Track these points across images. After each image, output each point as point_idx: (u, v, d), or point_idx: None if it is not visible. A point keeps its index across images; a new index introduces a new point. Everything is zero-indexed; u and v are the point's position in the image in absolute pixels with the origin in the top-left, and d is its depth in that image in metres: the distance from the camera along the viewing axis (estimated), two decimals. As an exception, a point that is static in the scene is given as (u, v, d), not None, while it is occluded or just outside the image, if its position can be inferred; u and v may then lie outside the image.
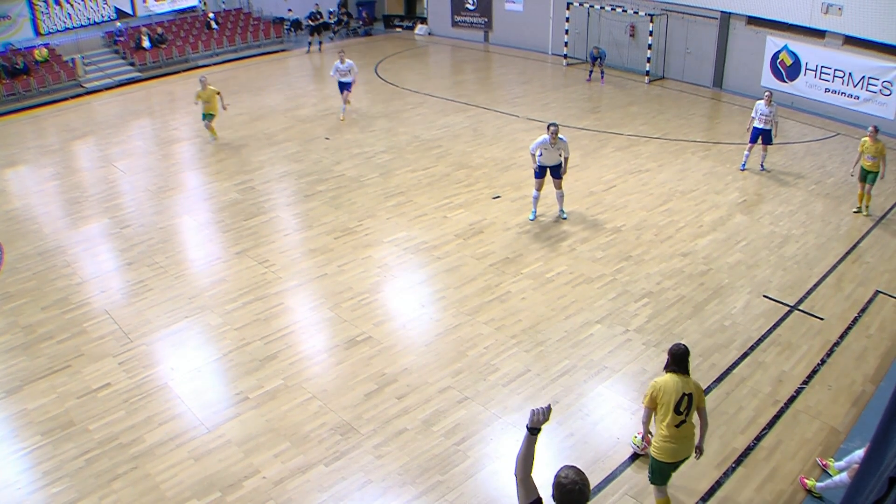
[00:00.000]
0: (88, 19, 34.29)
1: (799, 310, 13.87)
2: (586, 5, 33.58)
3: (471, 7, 39.92)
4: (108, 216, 18.21)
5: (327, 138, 23.62)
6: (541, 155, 16.65)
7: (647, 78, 31.68)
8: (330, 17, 42.73)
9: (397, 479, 9.79)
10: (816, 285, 14.77)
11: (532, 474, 5.72)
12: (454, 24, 41.12)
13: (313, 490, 9.62)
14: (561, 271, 15.22)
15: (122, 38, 34.80)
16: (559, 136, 16.39)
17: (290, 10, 40.95)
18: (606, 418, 10.91)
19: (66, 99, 30.54)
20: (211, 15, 38.39)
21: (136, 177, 20.90)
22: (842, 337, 13.03)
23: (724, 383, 11.71)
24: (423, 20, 43.09)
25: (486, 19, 39.65)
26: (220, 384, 11.84)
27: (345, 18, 43.12)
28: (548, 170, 16.89)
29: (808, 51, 26.91)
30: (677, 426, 8.49)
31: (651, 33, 31.07)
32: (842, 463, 9.52)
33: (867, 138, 17.30)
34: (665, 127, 25.08)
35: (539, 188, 17.20)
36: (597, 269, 15.32)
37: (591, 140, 23.39)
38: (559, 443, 10.42)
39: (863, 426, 10.64)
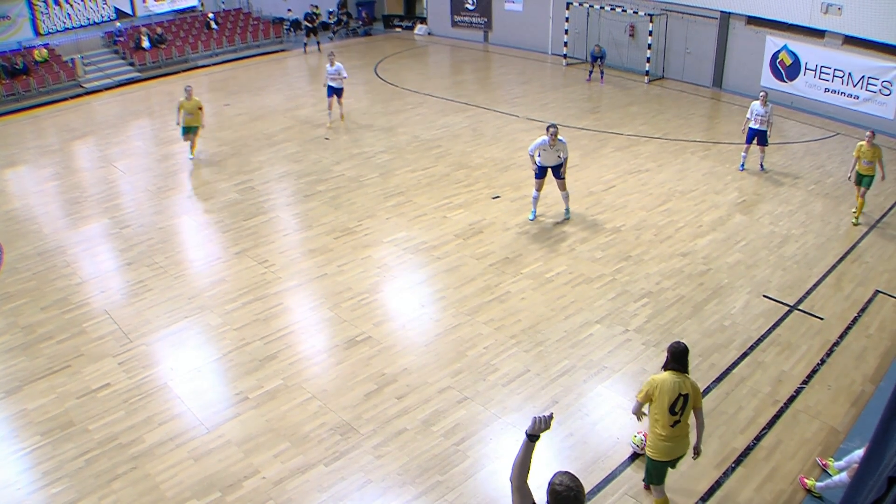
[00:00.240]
0: (88, 19, 34.30)
1: (798, 310, 13.87)
2: (586, 5, 33.60)
3: (470, 7, 39.93)
4: (107, 216, 18.21)
5: (327, 138, 23.62)
6: (539, 156, 16.65)
7: (646, 78, 31.70)
8: (329, 17, 42.78)
9: (397, 479, 9.79)
10: (816, 285, 14.77)
11: (528, 480, 5.71)
12: (454, 24, 41.14)
13: (313, 490, 9.62)
14: (560, 271, 15.22)
15: (121, 39, 34.82)
16: (559, 137, 16.38)
17: (289, 9, 40.97)
18: (606, 418, 10.91)
19: (65, 99, 30.56)
20: (210, 15, 38.38)
21: (136, 177, 20.91)
22: (841, 337, 13.03)
23: (723, 383, 11.72)
24: (423, 20, 43.11)
25: (486, 19, 39.66)
26: (220, 384, 11.84)
27: (344, 18, 43.15)
28: (549, 170, 16.88)
29: (807, 50, 26.92)
30: (672, 426, 8.50)
31: (651, 33, 31.09)
32: (841, 463, 9.53)
33: (864, 143, 17.09)
34: (665, 127, 25.09)
35: (539, 189, 17.20)
36: (596, 269, 15.33)
37: (590, 140, 23.39)
38: (559, 443, 10.42)
39: (862, 426, 10.64)
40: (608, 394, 11.43)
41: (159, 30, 35.74)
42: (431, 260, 15.76)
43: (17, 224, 17.92)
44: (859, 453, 8.93)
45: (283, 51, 38.88)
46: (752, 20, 28.60)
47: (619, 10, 32.54)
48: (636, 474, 9.79)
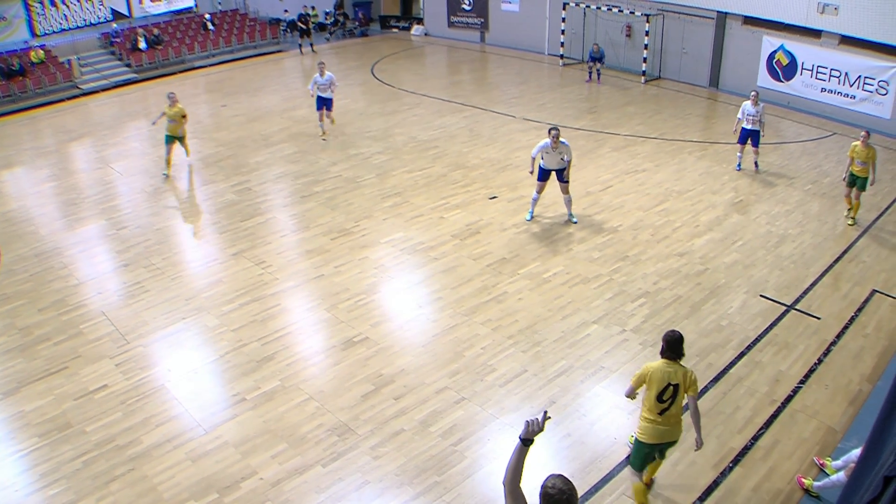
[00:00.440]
0: (84, 20, 34.32)
1: (796, 309, 13.89)
2: (582, 5, 33.60)
3: (467, 7, 39.94)
4: (104, 218, 18.19)
5: (324, 139, 23.59)
6: (543, 158, 16.66)
7: (643, 78, 31.73)
8: (326, 18, 42.76)
9: (395, 480, 9.79)
10: (813, 285, 14.78)
11: (521, 484, 5.71)
12: (450, 24, 41.14)
13: (311, 491, 9.62)
14: (558, 271, 15.23)
15: (118, 40, 34.76)
16: (561, 139, 16.36)
17: (286, 10, 40.95)
18: (604, 418, 10.91)
19: (62, 100, 30.51)
20: (207, 16, 38.35)
21: (133, 178, 20.88)
22: (839, 336, 13.04)
23: (721, 383, 11.72)
24: (420, 21, 43.13)
25: (483, 20, 39.67)
26: (218, 385, 11.84)
27: (341, 19, 43.14)
28: (552, 173, 16.87)
29: (804, 50, 26.96)
30: (660, 413, 8.70)
31: (647, 33, 31.10)
32: (839, 462, 9.52)
33: (858, 143, 17.01)
34: (661, 127, 25.10)
35: (540, 190, 17.22)
36: (593, 269, 15.34)
37: (587, 140, 23.40)
38: (556, 443, 10.43)
39: (860, 425, 10.65)
40: (606, 394, 11.43)
41: (156, 31, 35.67)
42: (428, 260, 15.76)
43: (14, 226, 17.90)
44: (857, 453, 8.93)
45: (279, 52, 38.88)
46: (749, 20, 28.63)
47: (615, 10, 32.56)
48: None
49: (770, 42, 28.01)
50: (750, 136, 20.04)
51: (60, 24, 33.40)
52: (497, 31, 39.37)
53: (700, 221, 17.50)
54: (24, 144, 24.69)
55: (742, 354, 12.47)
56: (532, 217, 17.56)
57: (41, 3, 32.41)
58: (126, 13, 35.82)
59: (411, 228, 17.20)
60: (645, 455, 9.07)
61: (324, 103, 23.89)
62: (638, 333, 12.95)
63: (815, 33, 26.41)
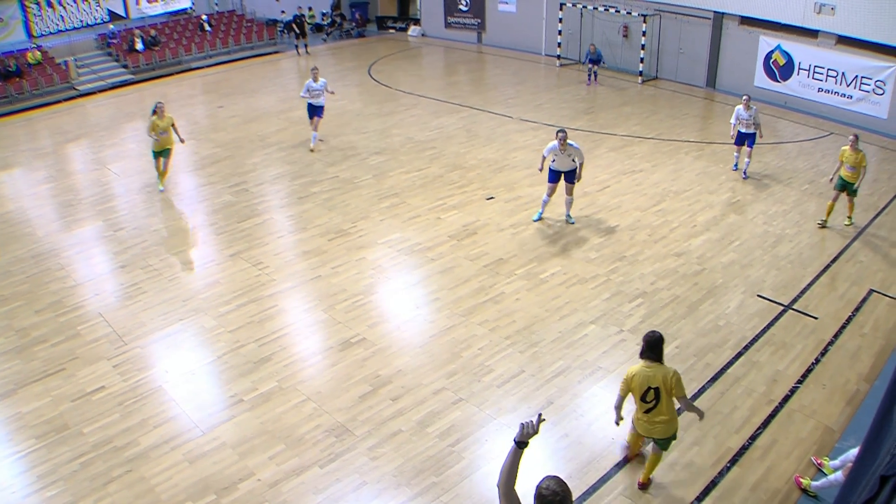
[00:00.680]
0: (81, 21, 34.32)
1: (793, 309, 13.89)
2: (579, 6, 33.64)
3: (464, 8, 39.95)
4: (101, 219, 18.17)
5: (321, 139, 23.56)
6: (553, 160, 16.64)
7: (640, 78, 31.77)
8: (323, 19, 42.76)
9: (392, 481, 9.79)
10: (810, 285, 14.79)
11: (516, 486, 5.71)
12: (447, 25, 41.15)
13: (308, 492, 9.62)
14: (555, 272, 15.23)
15: (114, 41, 34.77)
16: (569, 142, 16.30)
17: (282, 11, 40.97)
18: (601, 419, 10.90)
19: (59, 101, 30.49)
20: (204, 17, 38.35)
21: (130, 179, 20.85)
22: (836, 336, 13.05)
23: (718, 383, 11.73)
24: (417, 21, 43.13)
25: (480, 20, 39.68)
26: (215, 386, 11.83)
27: (338, 20, 43.13)
28: (562, 175, 16.86)
29: (801, 50, 27.00)
30: (646, 412, 8.94)
31: (644, 34, 31.14)
32: (836, 462, 9.54)
33: (847, 147, 16.72)
34: (658, 127, 25.12)
35: (551, 193, 17.15)
36: (591, 269, 15.34)
37: (584, 141, 23.37)
38: (554, 443, 10.43)
39: (857, 425, 10.66)
40: (603, 394, 11.42)
41: (153, 32, 35.69)
42: (426, 261, 15.76)
43: (11, 227, 17.88)
44: (854, 452, 8.93)
45: (276, 52, 38.87)
46: (746, 20, 28.66)
47: (612, 10, 32.59)
48: (632, 475, 9.80)
49: (767, 42, 28.04)
50: (746, 139, 19.96)
51: (57, 25, 33.40)
52: (494, 32, 39.39)
53: (697, 221, 17.51)
54: (20, 146, 24.66)
55: (739, 354, 12.48)
56: (540, 218, 17.53)
57: (38, 4, 32.41)
58: (123, 14, 35.81)
59: (408, 229, 17.20)
60: (637, 439, 9.62)
61: (315, 111, 22.69)
62: (635, 334, 12.93)
63: (811, 33, 26.44)
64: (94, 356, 12.56)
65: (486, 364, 12.20)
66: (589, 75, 31.60)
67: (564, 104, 28.22)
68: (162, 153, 19.61)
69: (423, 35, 42.51)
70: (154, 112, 19.21)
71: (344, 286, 14.77)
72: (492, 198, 18.94)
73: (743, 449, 10.31)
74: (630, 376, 8.86)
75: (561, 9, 34.03)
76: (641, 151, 22.57)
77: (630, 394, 8.97)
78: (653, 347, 8.81)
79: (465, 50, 38.94)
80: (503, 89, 30.84)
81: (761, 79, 28.57)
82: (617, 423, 9.43)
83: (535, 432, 5.69)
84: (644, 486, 9.56)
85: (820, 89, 26.69)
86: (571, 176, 16.81)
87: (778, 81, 28.04)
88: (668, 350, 12.21)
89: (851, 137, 16.74)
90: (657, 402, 8.80)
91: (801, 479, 9.64)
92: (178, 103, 29.14)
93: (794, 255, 15.96)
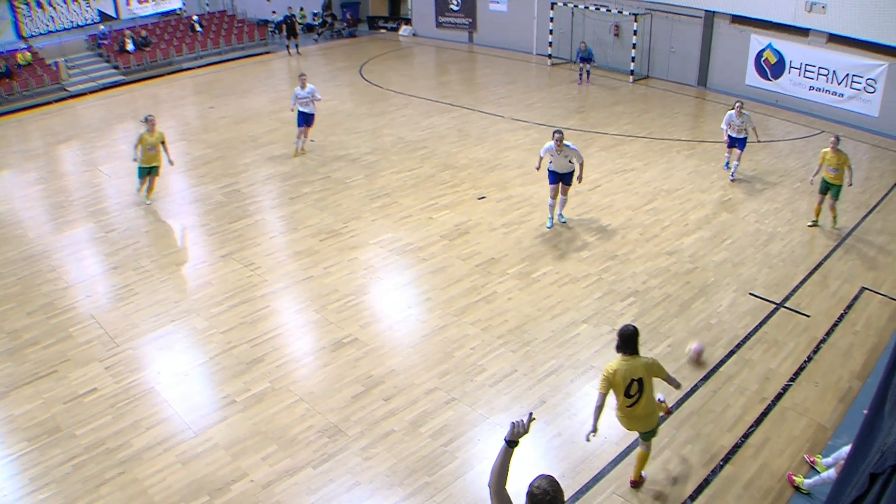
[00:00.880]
0: (72, 22, 34.22)
1: (785, 307, 13.92)
2: (570, 5, 33.65)
3: (455, 8, 39.93)
4: (93, 220, 18.12)
5: (312, 140, 23.51)
6: (550, 161, 16.54)
7: (631, 77, 31.78)
8: (314, 19, 42.72)
9: (385, 481, 9.79)
10: (802, 282, 14.82)
11: (507, 486, 5.71)
12: (438, 24, 41.12)
13: (301, 493, 9.61)
14: (547, 271, 15.24)
15: (105, 42, 34.68)
16: (565, 142, 16.16)
17: (273, 11, 40.92)
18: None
19: (49, 103, 30.37)
20: (195, 17, 38.29)
21: (121, 181, 20.77)
22: (828, 334, 13.08)
23: (710, 381, 11.75)
24: (408, 21, 43.08)
25: (471, 20, 39.67)
26: (207, 388, 11.81)
27: (329, 20, 43.09)
28: (562, 176, 16.72)
29: (792, 49, 27.04)
30: (628, 407, 9.00)
31: (635, 33, 31.16)
32: (829, 459, 9.57)
33: (828, 149, 16.54)
34: (650, 126, 25.15)
35: (554, 195, 16.96)
36: (583, 268, 15.35)
37: (576, 140, 23.28)
38: (546, 442, 10.44)
39: (850, 423, 10.68)
40: (596, 393, 11.36)
41: (143, 32, 35.60)
42: (417, 261, 15.75)
43: (2, 229, 17.82)
44: (847, 450, 8.96)
45: (267, 53, 38.79)
46: (737, 19, 28.70)
47: (603, 9, 32.61)
48: (625, 473, 9.80)
49: (758, 41, 28.09)
50: (736, 143, 19.78)
51: (47, 25, 33.30)
52: (485, 32, 39.37)
53: (689, 220, 17.53)
54: (11, 147, 24.58)
55: (732, 353, 12.50)
56: (552, 225, 17.28)
57: (27, 4, 32.30)
58: (113, 15, 35.72)
59: (400, 229, 17.19)
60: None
61: (305, 119, 22.15)
62: (628, 332, 12.94)
63: (803, 32, 26.48)
64: (86, 358, 12.53)
65: (478, 363, 12.20)
66: (580, 74, 31.55)
67: (556, 103, 28.23)
68: (149, 171, 18.61)
69: (414, 35, 42.47)
70: (145, 121, 18.56)
71: (336, 286, 14.76)
72: (483, 197, 18.94)
73: (736, 447, 10.33)
74: (611, 372, 8.85)
75: (552, 8, 34.02)
76: (633, 150, 22.60)
77: (612, 390, 8.95)
78: (628, 341, 8.88)
79: (457, 49, 38.94)
80: (494, 89, 30.85)
81: (752, 77, 28.62)
82: (588, 439, 8.99)
83: (526, 431, 5.70)
84: (636, 483, 9.58)
85: (811, 88, 26.74)
86: (569, 178, 16.71)
87: (769, 80, 28.09)
88: (660, 349, 12.35)
89: (832, 139, 16.61)
90: (640, 394, 8.87)
91: (794, 477, 9.66)
92: (170, 104, 29.10)
93: (786, 253, 15.99)
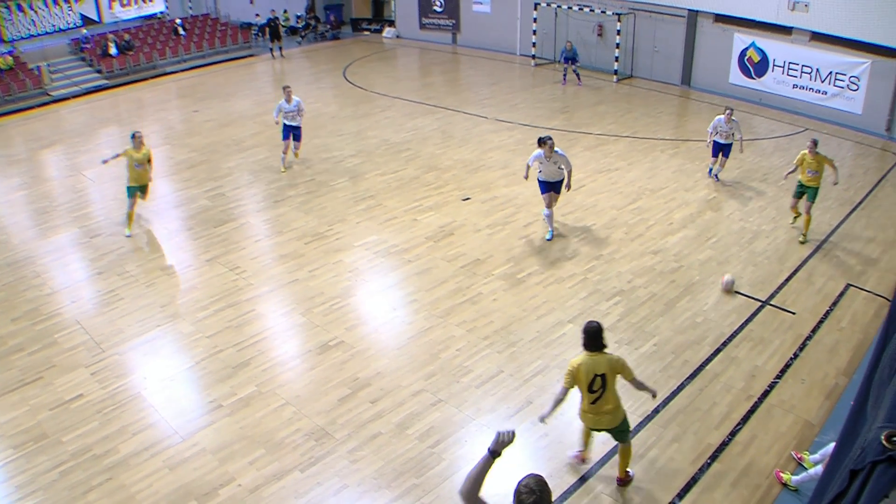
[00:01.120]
0: (54, 26, 34.03)
1: (770, 305, 13.98)
2: (553, 6, 33.70)
3: (438, 9, 39.92)
4: (77, 225, 18.04)
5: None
6: (540, 170, 16.28)
7: (615, 77, 31.84)
8: (297, 22, 42.65)
9: (373, 484, 9.78)
10: (787, 280, 14.89)
11: (480, 493, 5.71)
12: (422, 26, 41.10)
13: (289, 496, 9.59)
14: (532, 271, 15.25)
15: (88, 45, 34.55)
16: (556, 149, 15.93)
17: (257, 14, 40.82)
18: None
19: (32, 107, 30.19)
20: (178, 21, 38.18)
21: (105, 185, 20.68)
22: (814, 331, 13.15)
23: (697, 380, 11.78)
24: (391, 23, 43.04)
25: (454, 21, 39.67)
26: (194, 392, 11.78)
27: (312, 23, 43.02)
28: (551, 186, 16.43)
29: (775, 47, 27.16)
30: (592, 402, 9.07)
31: (619, 32, 31.22)
32: (816, 456, 9.62)
33: (805, 152, 16.22)
34: (634, 125, 25.21)
35: (548, 204, 16.54)
36: (568, 268, 15.37)
37: (560, 140, 23.30)
38: (534, 442, 10.45)
39: (837, 419, 10.73)
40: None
41: (126, 36, 35.45)
42: (403, 263, 15.75)
43: (-15, 235, 17.76)
44: (833, 446, 9.01)
45: (251, 56, 38.69)
46: (720, 18, 28.81)
47: (586, 9, 32.66)
48: (612, 473, 9.82)
49: (741, 39, 28.19)
50: (722, 149, 19.51)
51: (29, 29, 33.10)
52: (469, 33, 39.38)
53: (673, 219, 17.58)
54: (-6, 153, 24.49)
55: (718, 351, 12.55)
56: (552, 237, 16.82)
57: (8, 8, 32.11)
58: (96, 19, 35.55)
59: (385, 231, 17.18)
60: (587, 432, 9.80)
61: (291, 132, 21.37)
62: (613, 332, 12.96)
63: (786, 30, 26.60)
64: (72, 364, 12.48)
65: (464, 365, 12.21)
66: (565, 74, 31.58)
67: (539, 104, 28.26)
68: (140, 189, 17.49)
69: (397, 37, 42.43)
70: (133, 138, 17.27)
71: (321, 289, 14.74)
72: (468, 198, 18.94)
73: (723, 445, 10.37)
74: (575, 367, 8.93)
75: (535, 9, 34.07)
76: (617, 150, 22.64)
77: (576, 385, 9.00)
78: (593, 337, 8.96)
79: (440, 51, 38.93)
80: (478, 90, 30.87)
81: (736, 76, 28.73)
82: (542, 420, 9.25)
83: (510, 442, 5.69)
84: (623, 481, 9.60)
85: (795, 86, 26.84)
86: (559, 186, 16.46)
87: (753, 78, 28.19)
88: (645, 348, 12.39)
89: (809, 143, 16.25)
90: (604, 390, 8.94)
91: (782, 474, 9.70)
92: (153, 108, 29.00)
93: (771, 250, 16.05)
